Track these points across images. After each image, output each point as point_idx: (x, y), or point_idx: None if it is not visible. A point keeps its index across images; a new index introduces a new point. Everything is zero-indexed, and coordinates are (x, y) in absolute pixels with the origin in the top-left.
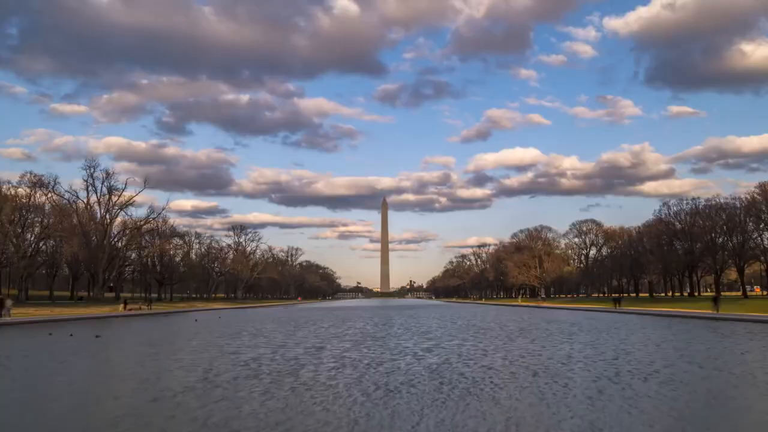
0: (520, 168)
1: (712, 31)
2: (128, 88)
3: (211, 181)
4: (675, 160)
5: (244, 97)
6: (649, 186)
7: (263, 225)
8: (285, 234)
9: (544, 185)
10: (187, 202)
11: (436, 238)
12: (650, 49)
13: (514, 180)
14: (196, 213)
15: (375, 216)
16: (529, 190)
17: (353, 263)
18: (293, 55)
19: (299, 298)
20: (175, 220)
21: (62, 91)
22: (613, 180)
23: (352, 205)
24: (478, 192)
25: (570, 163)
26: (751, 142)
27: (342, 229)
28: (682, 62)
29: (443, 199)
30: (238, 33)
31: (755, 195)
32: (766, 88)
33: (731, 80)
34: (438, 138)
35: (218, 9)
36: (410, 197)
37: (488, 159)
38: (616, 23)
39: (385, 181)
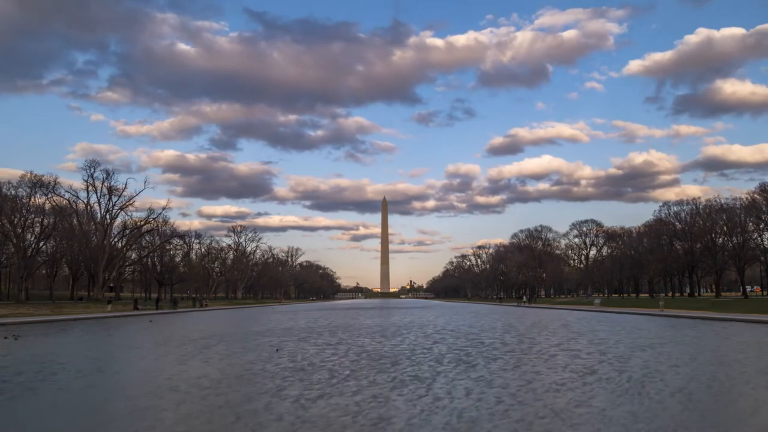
0: (537, 177)
1: (700, 75)
2: (192, 114)
3: (250, 189)
4: (680, 170)
5: (293, 117)
6: (656, 193)
7: (284, 228)
8: (304, 236)
9: (558, 193)
10: (219, 208)
11: (450, 240)
12: (650, 90)
13: (529, 188)
14: (226, 218)
15: (397, 219)
16: (544, 196)
17: (364, 264)
18: (346, 91)
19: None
20: (201, 223)
21: (135, 118)
22: (621, 188)
23: (380, 210)
24: (494, 198)
25: (583, 172)
26: (747, 155)
27: (363, 231)
28: (680, 99)
29: (463, 205)
30: (302, 75)
31: (755, 196)
32: (763, 115)
33: (725, 110)
34: (464, 150)
35: (287, 57)
36: (433, 203)
37: (508, 169)
38: (615, 74)
39: (414, 189)
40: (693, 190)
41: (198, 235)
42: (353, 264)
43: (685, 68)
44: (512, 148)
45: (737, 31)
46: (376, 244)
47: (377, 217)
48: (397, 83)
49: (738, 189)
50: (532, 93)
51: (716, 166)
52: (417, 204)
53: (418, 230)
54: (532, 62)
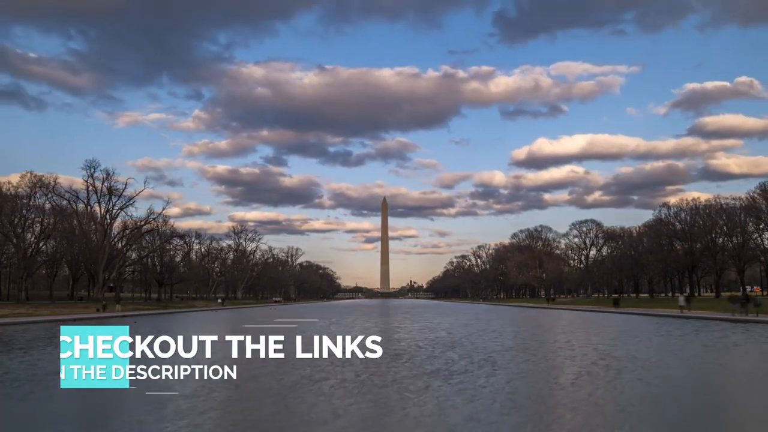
0: (555, 186)
1: (696, 111)
2: (250, 138)
3: (292, 199)
4: (686, 180)
5: (341, 139)
6: (661, 201)
7: (304, 232)
8: (323, 239)
9: (572, 200)
10: (250, 213)
11: (466, 242)
12: (652, 123)
13: (546, 195)
14: (258, 223)
15: (423, 223)
16: (559, 203)
17: (374, 265)
18: (391, 122)
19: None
20: (230, 226)
21: (201, 139)
22: (630, 196)
23: (410, 215)
24: (513, 205)
25: (596, 182)
26: (746, 168)
27: (379, 233)
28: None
29: (483, 212)
30: (355, 110)
31: (755, 195)
32: (760, 140)
33: (722, 136)
34: (491, 163)
35: (345, 98)
36: (456, 209)
37: (529, 177)
38: (620, 112)
39: (444, 196)
40: (694, 195)
41: (198, 235)
42: (362, 265)
43: (683, 106)
44: (533, 161)
45: (722, 84)
46: (391, 245)
47: (399, 221)
48: (435, 117)
49: (735, 193)
50: (549, 122)
51: (717, 177)
52: (443, 210)
53: (438, 232)
54: (550, 101)
